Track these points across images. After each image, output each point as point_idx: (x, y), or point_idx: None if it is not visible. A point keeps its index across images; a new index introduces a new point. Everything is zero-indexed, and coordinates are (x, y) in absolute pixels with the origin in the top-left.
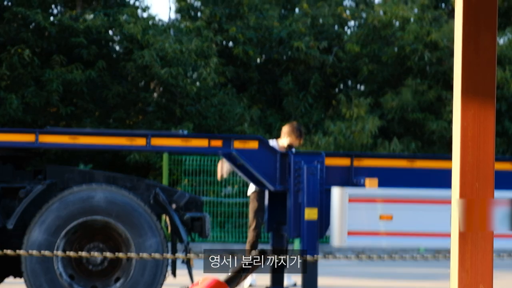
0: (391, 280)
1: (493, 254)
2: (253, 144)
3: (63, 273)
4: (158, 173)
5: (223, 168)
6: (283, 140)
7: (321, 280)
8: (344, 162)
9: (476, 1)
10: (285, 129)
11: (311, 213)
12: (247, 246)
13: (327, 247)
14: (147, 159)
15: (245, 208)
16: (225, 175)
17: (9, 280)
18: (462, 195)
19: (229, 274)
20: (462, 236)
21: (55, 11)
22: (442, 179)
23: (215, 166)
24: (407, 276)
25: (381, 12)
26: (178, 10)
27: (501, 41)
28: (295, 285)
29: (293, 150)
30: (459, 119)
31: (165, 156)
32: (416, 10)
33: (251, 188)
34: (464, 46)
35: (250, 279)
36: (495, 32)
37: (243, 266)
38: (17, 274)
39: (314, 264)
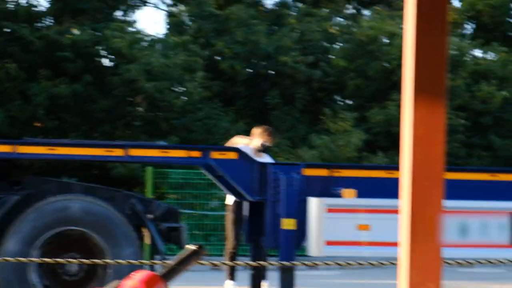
0: None
1: (441, 253)
2: (232, 155)
3: (38, 283)
4: (144, 186)
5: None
6: (256, 141)
7: None
8: (323, 172)
9: (427, 2)
10: (256, 130)
11: (288, 224)
12: (226, 258)
13: (309, 259)
14: (132, 172)
15: None
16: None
17: None
18: (412, 193)
19: (166, 268)
20: (412, 233)
21: (41, 25)
22: None
23: (200, 179)
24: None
25: (368, 28)
26: (168, 25)
27: (487, 56)
28: None
29: (266, 156)
30: (409, 118)
31: (149, 170)
32: (402, 25)
33: (229, 199)
34: (417, 45)
35: None
36: (446, 32)
37: (181, 260)
38: None
39: (291, 273)
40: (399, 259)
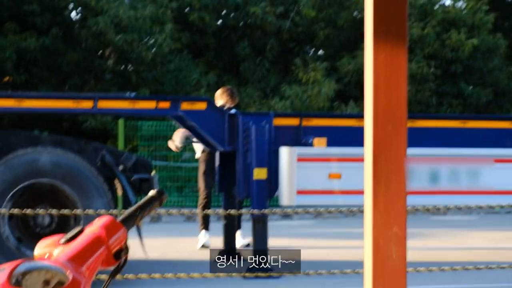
0: (348, 240)
1: (405, 197)
2: (201, 105)
3: (10, 236)
4: (116, 139)
5: (178, 138)
6: (218, 104)
7: (276, 241)
8: (293, 122)
9: None
10: (217, 92)
11: (260, 173)
12: (198, 209)
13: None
14: (104, 125)
15: None
16: (179, 145)
17: None
18: (374, 137)
19: (126, 214)
20: (375, 177)
21: None
22: None
23: (172, 131)
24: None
25: None
26: None
27: (458, 4)
28: (248, 245)
29: (233, 110)
30: (371, 62)
31: (121, 122)
32: None
33: (199, 150)
34: None
35: (204, 239)
36: None
37: (141, 205)
38: None
39: (264, 222)
40: (364, 204)
